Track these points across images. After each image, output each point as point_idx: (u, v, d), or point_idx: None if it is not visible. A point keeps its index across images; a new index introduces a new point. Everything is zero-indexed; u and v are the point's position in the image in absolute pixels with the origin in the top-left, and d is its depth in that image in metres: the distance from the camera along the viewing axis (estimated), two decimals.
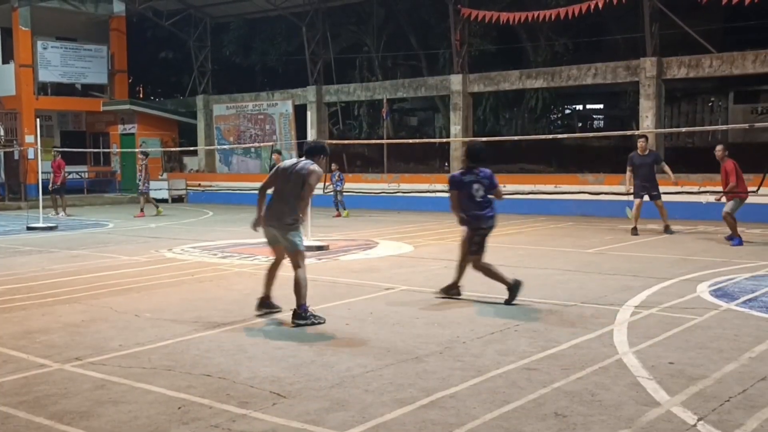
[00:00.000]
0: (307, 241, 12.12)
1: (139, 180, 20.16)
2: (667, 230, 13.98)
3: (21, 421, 4.37)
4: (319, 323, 6.70)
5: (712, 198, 13.55)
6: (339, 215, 18.98)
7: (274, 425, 4.23)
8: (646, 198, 13.80)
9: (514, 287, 7.58)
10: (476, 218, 7.69)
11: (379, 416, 4.34)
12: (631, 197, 14.07)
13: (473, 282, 8.85)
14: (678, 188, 14.56)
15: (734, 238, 12.31)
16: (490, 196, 7.77)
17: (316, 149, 7.17)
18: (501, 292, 8.14)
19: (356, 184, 21.45)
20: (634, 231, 13.85)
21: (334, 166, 19.33)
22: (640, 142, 13.96)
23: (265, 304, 7.17)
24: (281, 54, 30.26)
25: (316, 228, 13.02)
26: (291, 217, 6.80)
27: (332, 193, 18.98)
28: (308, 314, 6.75)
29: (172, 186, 26.21)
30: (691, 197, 16.49)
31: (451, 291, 7.97)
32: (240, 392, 4.81)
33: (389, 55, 29.28)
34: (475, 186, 7.66)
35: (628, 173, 13.97)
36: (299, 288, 6.76)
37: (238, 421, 4.30)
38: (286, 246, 6.90)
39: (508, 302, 7.55)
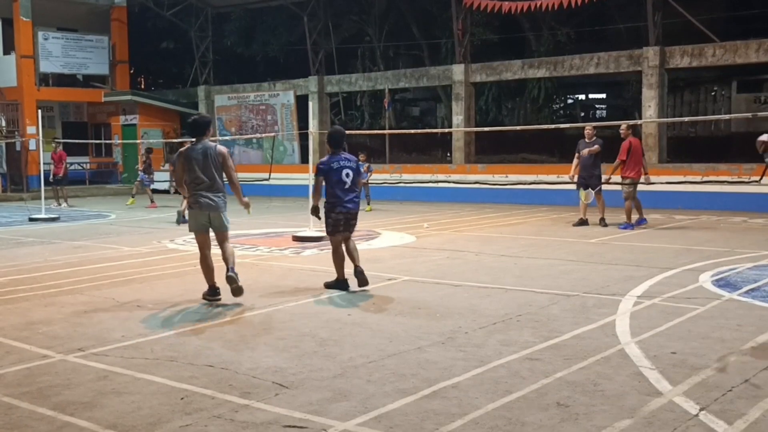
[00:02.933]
0: (309, 232, 12.19)
1: (144, 172, 20.60)
2: (601, 222, 13.41)
3: (24, 411, 4.38)
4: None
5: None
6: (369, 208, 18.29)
7: (277, 415, 4.24)
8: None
9: (356, 278, 7.83)
10: (337, 203, 7.87)
11: (382, 406, 4.35)
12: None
13: (476, 272, 8.86)
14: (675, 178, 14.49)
15: (627, 225, 12.95)
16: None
17: (203, 124, 7.33)
18: (504, 283, 8.15)
19: None
20: (581, 222, 13.51)
21: (362, 156, 18.84)
22: (588, 129, 13.75)
23: (215, 291, 7.38)
24: (283, 44, 30.14)
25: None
26: (223, 199, 7.29)
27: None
28: (236, 273, 7.24)
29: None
30: (695, 187, 16.46)
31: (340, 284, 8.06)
32: (242, 383, 4.81)
33: (391, 45, 29.19)
34: (345, 171, 7.88)
35: (575, 161, 13.63)
36: (231, 256, 7.33)
37: (241, 412, 4.30)
38: (218, 227, 7.33)
39: (332, 286, 7.99)
